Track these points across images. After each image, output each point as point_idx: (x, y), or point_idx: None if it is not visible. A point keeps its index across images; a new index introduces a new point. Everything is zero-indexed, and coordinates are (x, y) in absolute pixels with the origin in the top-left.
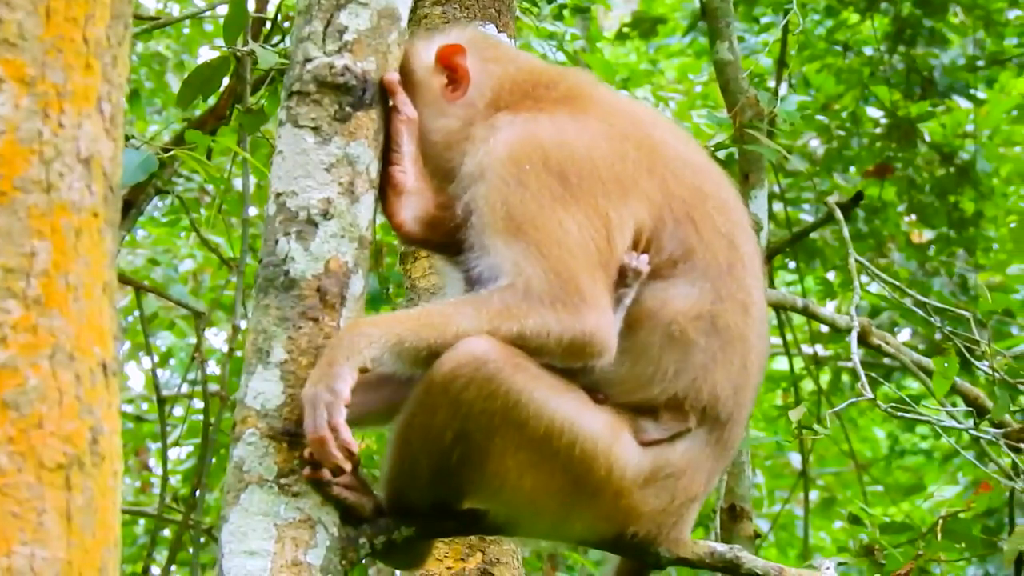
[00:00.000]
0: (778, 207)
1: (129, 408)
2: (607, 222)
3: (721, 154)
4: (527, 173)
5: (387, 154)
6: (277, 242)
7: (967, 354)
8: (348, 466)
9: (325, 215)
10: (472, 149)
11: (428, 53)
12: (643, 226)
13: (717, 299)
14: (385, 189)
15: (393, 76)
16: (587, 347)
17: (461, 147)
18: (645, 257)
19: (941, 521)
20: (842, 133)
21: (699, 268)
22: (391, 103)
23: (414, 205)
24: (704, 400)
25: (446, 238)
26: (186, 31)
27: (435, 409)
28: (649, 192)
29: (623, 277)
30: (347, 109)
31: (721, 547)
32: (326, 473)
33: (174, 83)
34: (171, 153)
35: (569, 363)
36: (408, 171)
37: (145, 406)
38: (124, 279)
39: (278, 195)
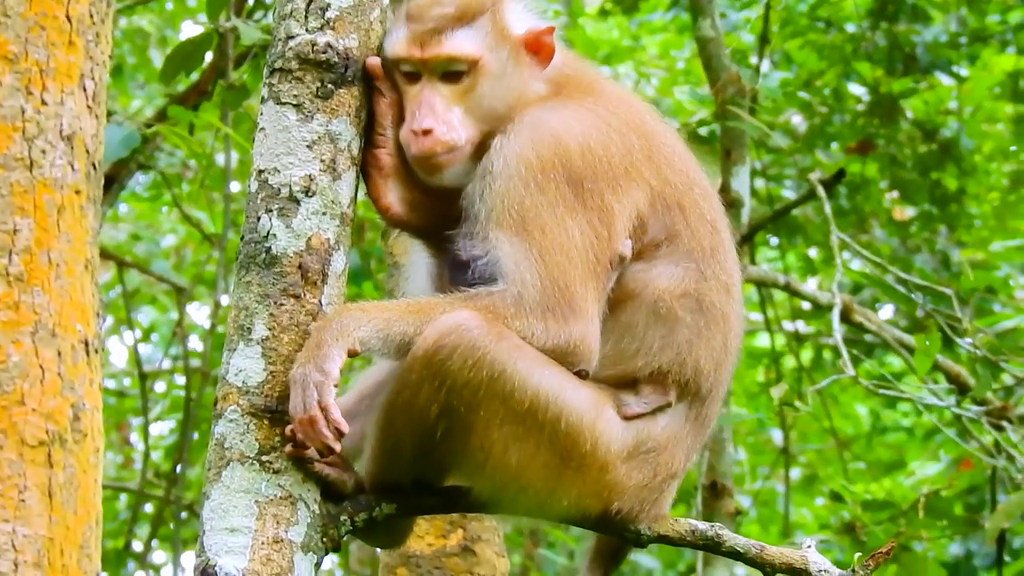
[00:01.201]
0: (760, 183)
1: (111, 383)
2: (611, 218)
3: (703, 131)
4: (548, 180)
5: (371, 136)
6: (259, 219)
7: (949, 331)
8: (338, 446)
9: (307, 192)
10: (503, 137)
11: (523, 23)
12: (642, 213)
13: (702, 278)
14: (370, 171)
15: (375, 60)
16: (568, 355)
17: (510, 116)
18: (629, 243)
19: (923, 498)
20: (824, 110)
21: (682, 250)
22: (375, 84)
23: (399, 187)
24: (688, 374)
25: (429, 221)
26: (169, 6)
27: (419, 384)
28: (649, 179)
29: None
30: (329, 86)
31: (702, 525)
32: (309, 451)
33: (157, 58)
34: (153, 129)
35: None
36: (393, 153)
37: (127, 381)
38: (106, 254)
39: (260, 172)
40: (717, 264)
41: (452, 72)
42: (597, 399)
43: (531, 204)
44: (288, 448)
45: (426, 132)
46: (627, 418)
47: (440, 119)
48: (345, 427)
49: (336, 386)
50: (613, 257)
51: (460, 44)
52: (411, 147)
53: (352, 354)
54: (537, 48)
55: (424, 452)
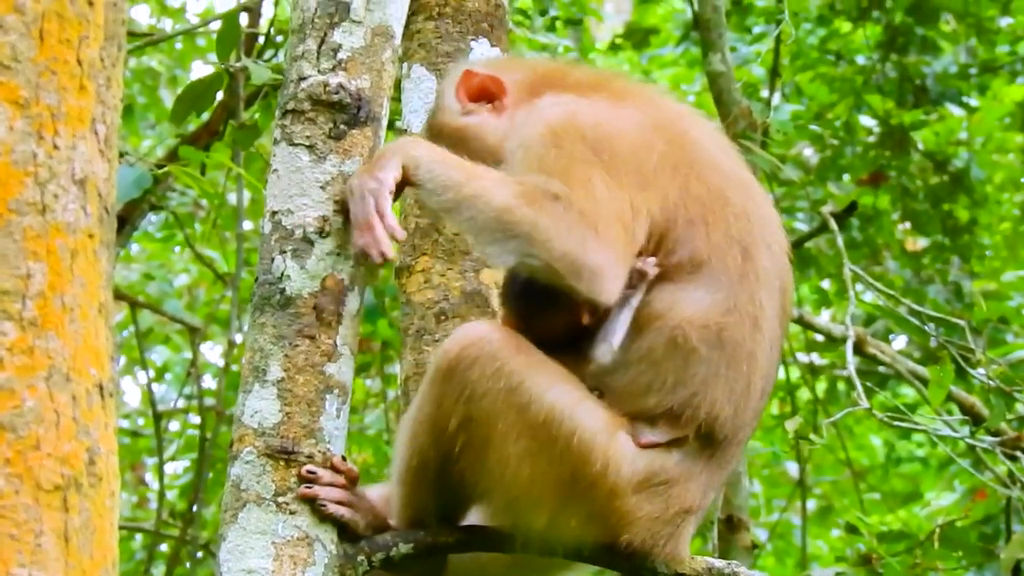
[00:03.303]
0: None
1: (125, 423)
2: (632, 200)
3: None
4: (563, 140)
5: None
6: (273, 260)
7: (962, 362)
8: (391, 253)
9: (321, 233)
10: (514, 132)
11: (451, 97)
12: (655, 222)
13: (728, 311)
14: None
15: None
16: (582, 274)
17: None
18: (652, 260)
19: (938, 529)
20: (835, 142)
21: (708, 275)
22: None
23: None
24: (700, 417)
25: None
26: (178, 46)
27: (441, 396)
28: (667, 189)
29: (629, 279)
30: (342, 127)
31: (719, 563)
32: (320, 491)
33: (167, 98)
34: (165, 169)
35: (557, 282)
36: None
37: (141, 421)
38: (119, 295)
39: (273, 213)
40: (745, 294)
41: None
42: (612, 422)
43: (550, 158)
44: (302, 489)
45: None
46: (641, 446)
47: None
48: (400, 233)
49: (391, 193)
50: (635, 239)
51: None
52: None
53: (405, 174)
54: (484, 95)
55: (446, 467)
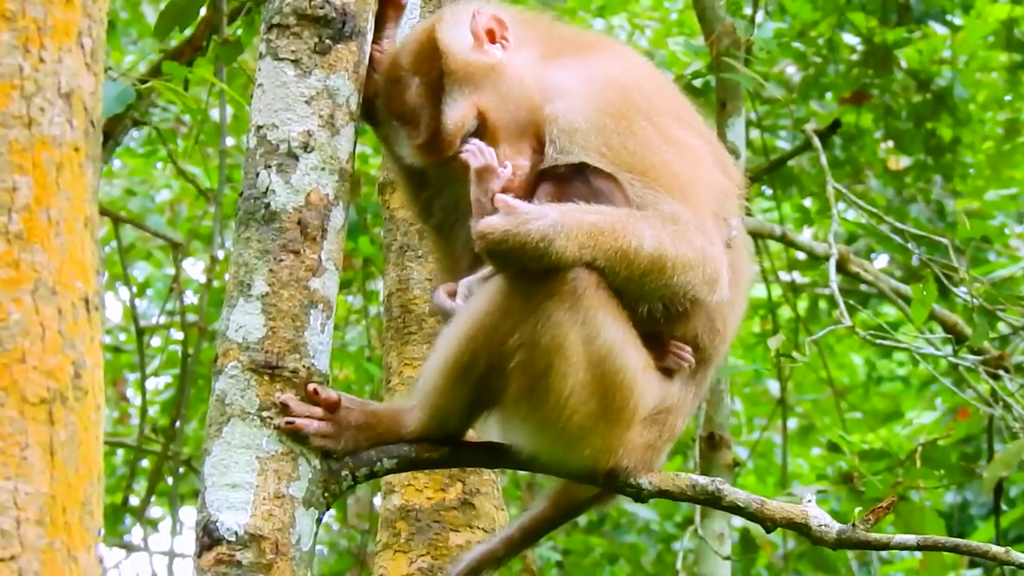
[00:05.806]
0: (755, 134)
1: (107, 339)
2: (701, 149)
3: (698, 82)
4: (629, 119)
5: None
6: (258, 175)
7: (945, 281)
8: None
9: (306, 148)
10: (556, 100)
11: (465, 36)
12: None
13: (736, 243)
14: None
15: None
16: (716, 283)
17: (537, 92)
18: (737, 221)
19: (920, 448)
20: (819, 60)
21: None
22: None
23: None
24: (716, 343)
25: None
26: None
27: (511, 312)
28: (696, 127)
29: None
30: (327, 42)
31: (703, 480)
32: (301, 423)
33: (150, 14)
34: (148, 84)
35: (696, 295)
36: (384, 50)
37: (123, 337)
38: (101, 210)
39: (259, 128)
40: (737, 226)
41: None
42: (648, 358)
43: (633, 147)
44: (282, 423)
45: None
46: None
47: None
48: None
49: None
50: (721, 191)
51: (455, 123)
52: None
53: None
54: (491, 36)
55: (491, 376)
